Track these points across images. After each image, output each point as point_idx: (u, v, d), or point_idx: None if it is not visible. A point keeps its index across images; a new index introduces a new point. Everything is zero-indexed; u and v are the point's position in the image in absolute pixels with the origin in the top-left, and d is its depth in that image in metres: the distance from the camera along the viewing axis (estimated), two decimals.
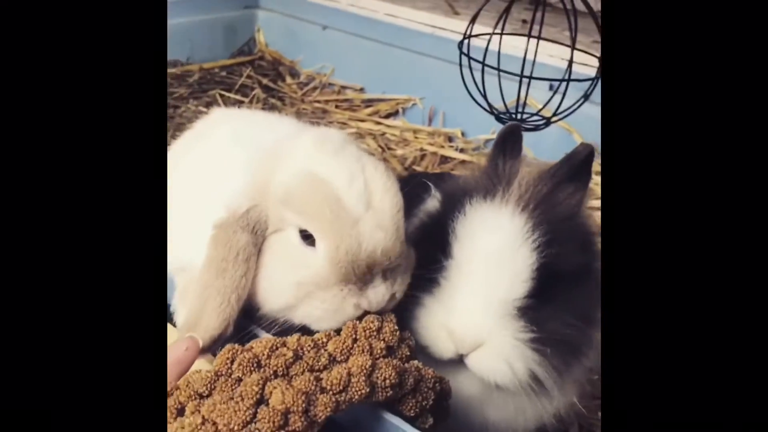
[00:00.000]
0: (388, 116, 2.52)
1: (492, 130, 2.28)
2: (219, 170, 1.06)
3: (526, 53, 1.40)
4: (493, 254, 0.94)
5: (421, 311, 0.97)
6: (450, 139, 2.37)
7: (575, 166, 1.01)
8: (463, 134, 2.37)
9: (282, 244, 0.91)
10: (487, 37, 1.43)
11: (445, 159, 2.28)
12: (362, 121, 2.46)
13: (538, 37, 1.35)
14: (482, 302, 0.93)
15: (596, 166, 1.72)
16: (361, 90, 2.69)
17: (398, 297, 0.92)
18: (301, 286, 0.88)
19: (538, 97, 1.79)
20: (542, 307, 0.94)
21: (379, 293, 0.87)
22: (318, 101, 2.61)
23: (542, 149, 2.23)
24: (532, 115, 1.55)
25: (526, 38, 1.42)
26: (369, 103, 2.60)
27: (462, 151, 2.28)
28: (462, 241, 0.97)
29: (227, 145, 1.11)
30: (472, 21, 1.50)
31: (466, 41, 1.52)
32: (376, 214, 0.88)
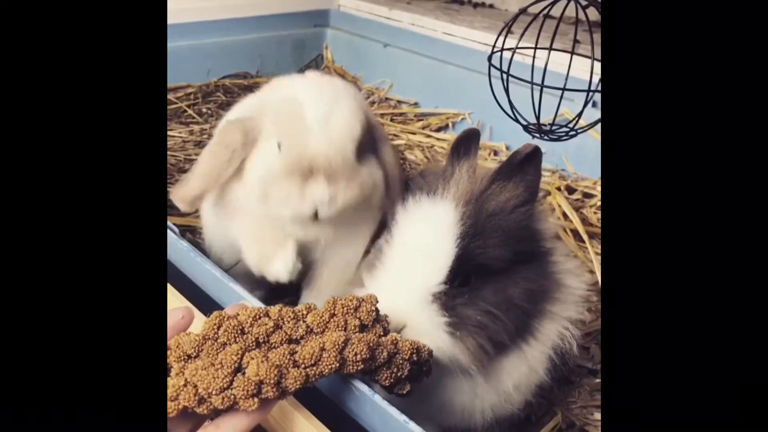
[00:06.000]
0: (438, 130, 2.61)
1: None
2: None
3: (547, 63, 1.47)
4: (418, 243, 1.02)
5: (360, 292, 1.04)
6: (495, 152, 2.43)
7: (515, 164, 1.05)
8: (507, 148, 2.43)
9: (264, 150, 1.23)
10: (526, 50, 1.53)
11: None
12: (413, 133, 2.56)
13: (549, 48, 1.41)
14: (404, 286, 1.00)
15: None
16: (415, 104, 2.79)
17: (340, 203, 1.18)
18: (262, 179, 1.18)
19: (575, 110, 1.83)
20: (457, 294, 0.99)
21: (319, 189, 1.15)
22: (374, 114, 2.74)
23: (583, 165, 2.26)
24: (561, 126, 1.60)
25: (556, 52, 1.50)
26: (421, 117, 2.70)
27: None
28: (399, 230, 1.05)
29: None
30: (500, 34, 1.59)
31: (495, 54, 1.61)
32: (328, 131, 1.15)
